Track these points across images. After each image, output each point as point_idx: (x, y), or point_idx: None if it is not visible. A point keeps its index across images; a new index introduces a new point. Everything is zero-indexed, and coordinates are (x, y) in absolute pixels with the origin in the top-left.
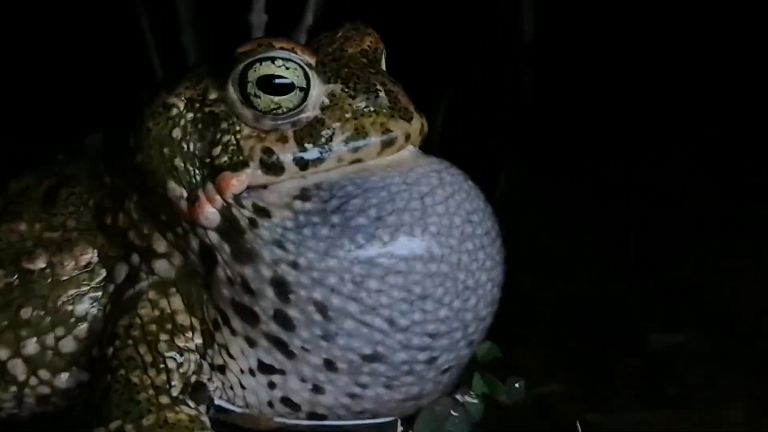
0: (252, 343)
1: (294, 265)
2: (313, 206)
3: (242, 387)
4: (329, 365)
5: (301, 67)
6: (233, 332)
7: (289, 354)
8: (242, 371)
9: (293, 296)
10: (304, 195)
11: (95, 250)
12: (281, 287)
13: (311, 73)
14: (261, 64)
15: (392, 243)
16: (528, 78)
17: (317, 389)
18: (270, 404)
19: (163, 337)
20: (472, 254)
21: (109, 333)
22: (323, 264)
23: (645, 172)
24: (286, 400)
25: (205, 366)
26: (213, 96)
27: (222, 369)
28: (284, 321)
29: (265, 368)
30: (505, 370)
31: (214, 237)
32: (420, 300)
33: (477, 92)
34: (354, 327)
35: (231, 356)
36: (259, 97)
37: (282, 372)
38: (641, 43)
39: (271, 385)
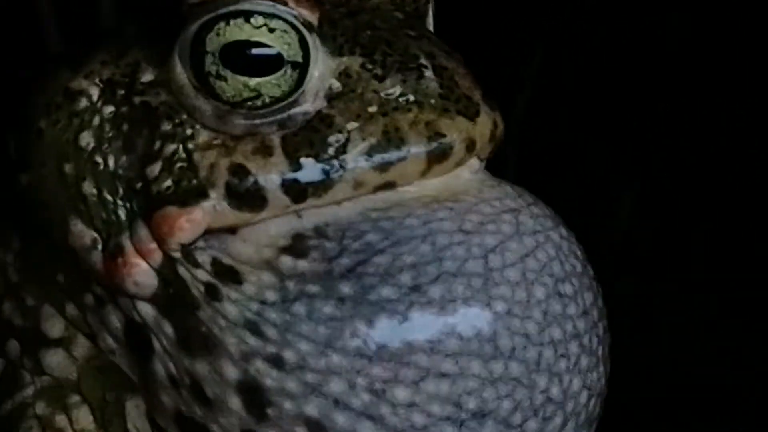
0: None
1: (276, 362)
2: (310, 266)
3: None
4: None
5: (295, 28)
6: None
7: None
8: None
9: (273, 411)
10: (297, 246)
11: None
12: (254, 396)
13: (311, 39)
14: (228, 24)
15: (435, 328)
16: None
17: None
18: None
19: None
20: (560, 347)
21: None
22: (323, 361)
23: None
24: None
25: None
26: (147, 77)
27: None
28: None
29: None
30: None
31: (148, 312)
32: (475, 420)
33: None
34: None
35: None
36: (225, 80)
37: None
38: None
39: None
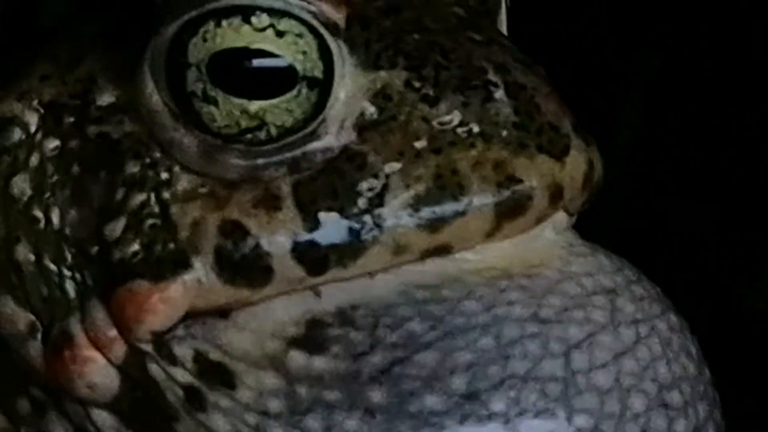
0: None
1: None
2: (330, 365)
3: None
4: None
5: (313, 30)
6: None
7: None
8: None
9: None
10: (313, 337)
11: None
12: None
13: (336, 46)
14: (219, 25)
15: None
16: None
17: None
18: None
19: None
20: None
21: None
22: None
23: None
24: None
25: None
26: (106, 99)
27: None
28: None
29: None
30: None
31: (105, 422)
32: None
33: None
34: None
35: None
36: (216, 103)
37: None
38: None
39: None
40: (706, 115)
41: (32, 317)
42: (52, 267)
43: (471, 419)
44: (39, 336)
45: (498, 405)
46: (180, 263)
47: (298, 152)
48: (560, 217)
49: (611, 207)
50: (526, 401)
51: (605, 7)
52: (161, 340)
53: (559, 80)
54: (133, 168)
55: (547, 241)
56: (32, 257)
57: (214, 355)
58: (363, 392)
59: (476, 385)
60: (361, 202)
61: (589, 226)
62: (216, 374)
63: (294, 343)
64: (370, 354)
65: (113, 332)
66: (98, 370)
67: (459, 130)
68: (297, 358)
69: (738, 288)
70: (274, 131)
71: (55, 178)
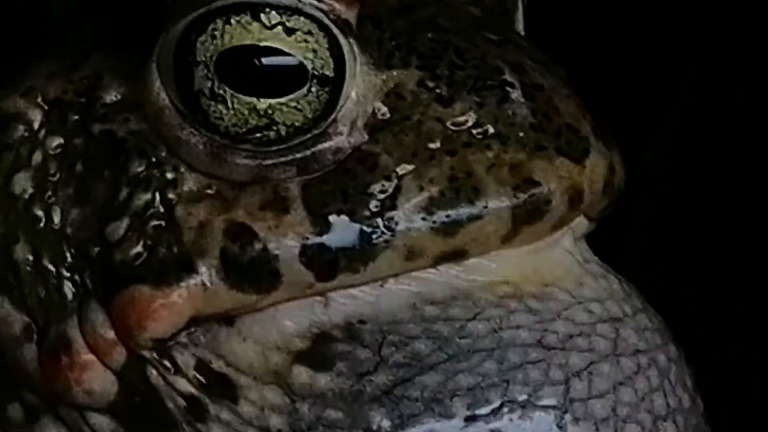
0: None
1: None
2: (334, 383)
3: None
4: None
5: (325, 28)
6: None
7: None
8: None
9: None
10: (319, 352)
11: None
12: None
13: (347, 44)
14: (229, 23)
15: None
16: None
17: None
18: None
19: None
20: None
21: None
22: None
23: None
24: None
25: None
26: (111, 97)
27: None
28: None
29: None
30: None
31: (103, 426)
32: None
33: None
34: None
35: None
36: (224, 101)
37: None
38: None
39: None
40: (737, 138)
41: (28, 320)
42: (51, 268)
43: None
44: (34, 339)
45: (496, 430)
46: (184, 267)
47: (307, 153)
48: (580, 222)
49: (641, 221)
50: (523, 427)
51: (639, 19)
52: (163, 347)
53: (583, 80)
54: (137, 167)
55: (564, 251)
56: (31, 257)
57: (217, 366)
58: (364, 413)
59: (476, 409)
60: (373, 205)
61: (616, 246)
62: (218, 386)
63: (299, 357)
64: (374, 373)
65: (113, 338)
66: (96, 377)
67: (474, 131)
68: (301, 374)
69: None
70: (283, 131)
71: (58, 176)
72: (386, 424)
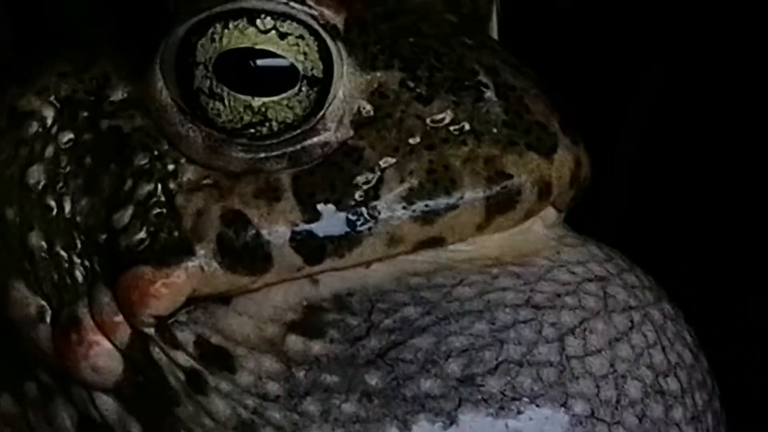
0: None
1: None
2: (327, 349)
3: None
4: None
5: (314, 32)
6: None
7: None
8: None
9: None
10: (310, 322)
11: None
12: None
13: (335, 47)
14: (227, 27)
15: None
16: None
17: None
18: None
19: None
20: None
21: None
22: None
23: None
24: None
25: None
26: (118, 95)
27: None
28: None
29: None
30: None
31: (109, 407)
32: None
33: None
34: None
35: None
36: (221, 99)
37: None
38: None
39: None
40: (708, 125)
41: (43, 302)
42: (63, 254)
43: (466, 404)
44: (48, 320)
45: (493, 389)
46: (183, 250)
47: (298, 147)
48: (550, 213)
49: (610, 217)
50: (521, 386)
51: (608, 17)
52: (164, 325)
53: (563, 89)
54: (141, 160)
55: (537, 234)
56: (44, 244)
57: (215, 339)
58: (360, 376)
59: (472, 369)
60: (358, 195)
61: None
62: (216, 358)
63: (292, 327)
64: (366, 338)
65: (118, 317)
66: (103, 354)
67: (451, 127)
68: (295, 342)
69: (741, 298)
70: (275, 126)
71: (69, 168)
72: (382, 385)
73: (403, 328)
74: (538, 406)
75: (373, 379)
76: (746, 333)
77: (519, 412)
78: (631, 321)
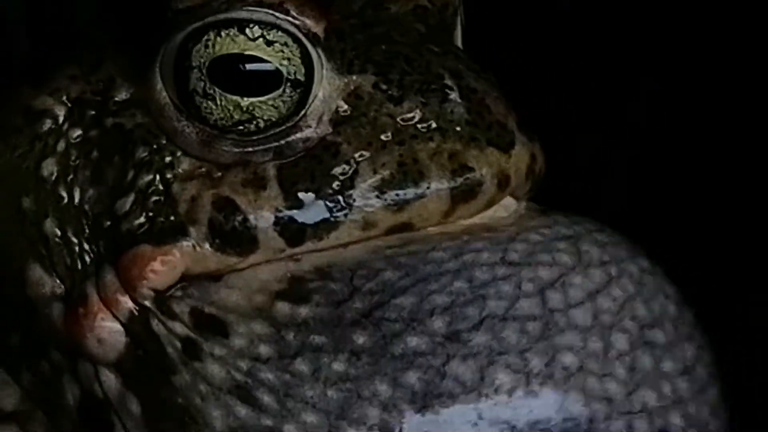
0: None
1: None
2: (314, 312)
3: None
4: None
5: (297, 40)
6: None
7: None
8: None
9: None
10: (295, 290)
11: None
12: None
13: (315, 53)
14: (219, 35)
15: (480, 390)
16: None
17: None
18: None
19: None
20: (658, 418)
21: None
22: None
23: None
24: None
25: None
26: (122, 95)
27: None
28: None
29: None
30: None
31: (111, 384)
32: None
33: None
34: None
35: None
36: (213, 99)
37: None
38: None
39: None
40: (708, 125)
41: (57, 282)
42: (74, 239)
43: (455, 360)
44: (61, 299)
45: (480, 344)
46: (179, 232)
47: (282, 141)
48: (509, 202)
49: (610, 216)
50: (507, 340)
51: (608, 17)
52: (162, 299)
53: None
54: (142, 153)
55: (502, 213)
56: (58, 230)
57: (209, 309)
58: (347, 335)
59: (457, 325)
60: (335, 184)
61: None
62: (210, 325)
63: (279, 295)
64: (350, 300)
65: (121, 292)
66: (107, 327)
67: (419, 125)
68: (283, 307)
69: (742, 297)
70: (262, 124)
71: (78, 161)
72: (370, 344)
73: (385, 289)
74: (526, 359)
75: (360, 339)
76: (746, 332)
77: (507, 369)
78: (609, 274)
